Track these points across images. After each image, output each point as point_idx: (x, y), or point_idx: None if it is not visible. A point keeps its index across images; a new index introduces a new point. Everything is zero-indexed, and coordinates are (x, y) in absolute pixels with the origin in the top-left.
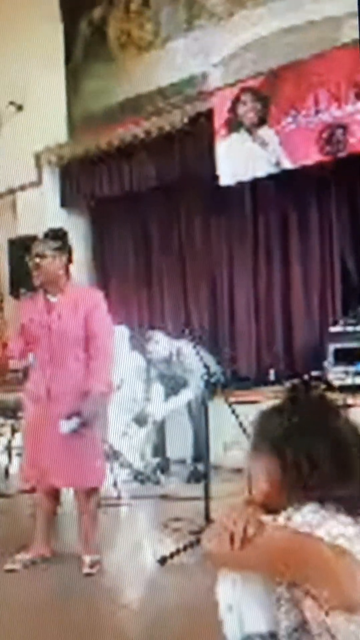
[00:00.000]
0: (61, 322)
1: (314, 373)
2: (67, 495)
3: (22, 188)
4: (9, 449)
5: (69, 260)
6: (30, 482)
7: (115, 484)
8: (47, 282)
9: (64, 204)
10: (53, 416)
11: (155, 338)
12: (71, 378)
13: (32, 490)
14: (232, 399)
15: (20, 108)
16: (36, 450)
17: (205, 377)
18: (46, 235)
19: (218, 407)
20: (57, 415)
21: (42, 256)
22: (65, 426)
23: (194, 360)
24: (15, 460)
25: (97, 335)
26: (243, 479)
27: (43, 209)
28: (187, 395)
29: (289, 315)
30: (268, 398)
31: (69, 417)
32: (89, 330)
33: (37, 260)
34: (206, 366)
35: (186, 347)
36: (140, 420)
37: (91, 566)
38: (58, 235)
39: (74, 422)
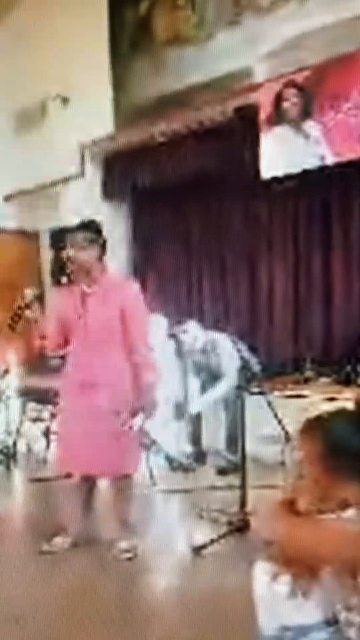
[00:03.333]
0: (95, 312)
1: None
2: (104, 480)
3: (66, 180)
4: (47, 434)
5: (103, 251)
6: (66, 468)
7: (150, 472)
8: (81, 273)
9: (106, 195)
10: (88, 404)
11: (189, 329)
12: (106, 367)
13: (69, 475)
14: (268, 391)
15: (65, 100)
16: (71, 438)
17: (242, 368)
18: (78, 227)
19: (254, 399)
20: (92, 404)
21: (74, 248)
22: (135, 424)
23: (230, 351)
24: (54, 446)
25: (136, 326)
26: (280, 472)
27: (85, 201)
28: (223, 387)
29: (329, 307)
30: (305, 390)
31: (134, 415)
32: (126, 321)
33: (70, 251)
34: (243, 357)
35: (222, 339)
36: (176, 412)
37: (126, 551)
38: (90, 227)
39: (140, 419)
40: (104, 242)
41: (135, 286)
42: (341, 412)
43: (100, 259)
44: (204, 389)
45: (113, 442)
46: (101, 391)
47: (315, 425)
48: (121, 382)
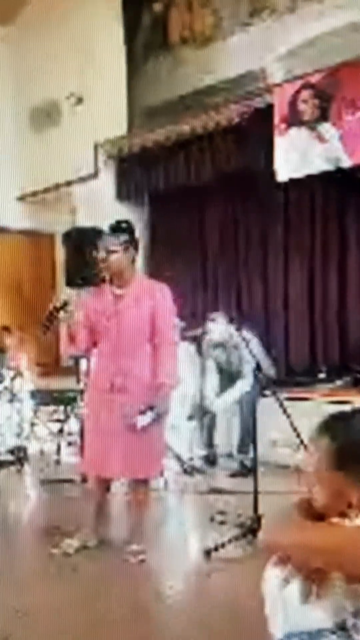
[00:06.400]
0: (127, 314)
1: None
2: (117, 484)
3: (79, 180)
4: (60, 435)
5: (135, 253)
6: (88, 470)
7: (162, 475)
8: (115, 276)
9: (119, 196)
10: (117, 407)
11: (218, 319)
12: (136, 369)
13: (84, 477)
14: (282, 395)
15: (80, 100)
16: (98, 440)
17: (256, 372)
18: (113, 229)
19: (267, 403)
20: (121, 406)
21: (110, 251)
22: (141, 421)
23: (247, 352)
24: (64, 447)
25: (161, 328)
26: (292, 476)
27: (99, 201)
28: (242, 386)
29: (344, 312)
30: (319, 395)
31: (142, 412)
32: (154, 323)
33: (105, 254)
34: (257, 361)
35: (247, 336)
36: (193, 413)
37: (137, 554)
38: (125, 229)
39: (148, 417)
40: (137, 243)
41: (165, 289)
42: (357, 411)
43: (132, 261)
44: (221, 388)
45: (137, 445)
46: (130, 394)
47: (332, 425)
48: (148, 384)
